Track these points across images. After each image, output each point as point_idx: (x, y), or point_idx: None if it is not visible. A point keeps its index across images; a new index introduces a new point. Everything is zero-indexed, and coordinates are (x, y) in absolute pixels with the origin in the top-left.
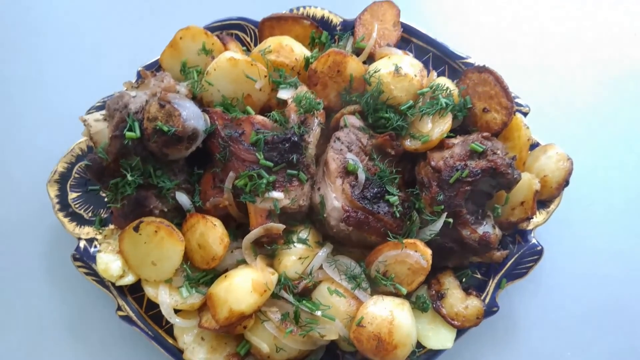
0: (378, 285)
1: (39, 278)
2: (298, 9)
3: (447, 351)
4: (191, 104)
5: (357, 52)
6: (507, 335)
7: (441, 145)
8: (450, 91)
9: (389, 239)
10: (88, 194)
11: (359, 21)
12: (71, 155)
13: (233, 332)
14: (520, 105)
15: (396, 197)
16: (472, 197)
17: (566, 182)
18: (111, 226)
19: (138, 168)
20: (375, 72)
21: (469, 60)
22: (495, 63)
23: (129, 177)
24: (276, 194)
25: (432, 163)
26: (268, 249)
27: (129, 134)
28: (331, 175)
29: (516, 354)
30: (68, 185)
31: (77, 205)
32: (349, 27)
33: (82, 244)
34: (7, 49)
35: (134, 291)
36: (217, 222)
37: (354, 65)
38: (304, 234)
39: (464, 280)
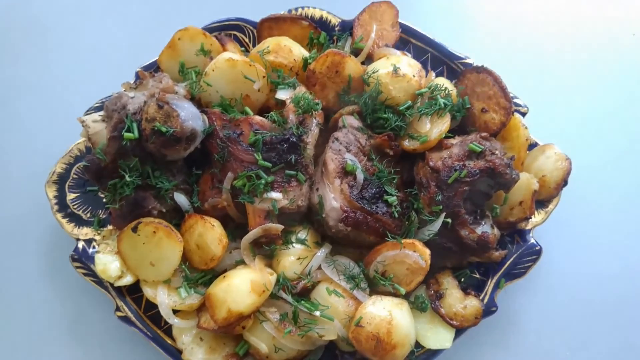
0: (377, 285)
1: (37, 279)
2: (296, 9)
3: (446, 351)
4: (189, 104)
5: (356, 52)
6: (506, 335)
7: (440, 146)
8: (448, 91)
9: (388, 239)
10: (86, 195)
11: (357, 22)
12: (70, 156)
13: (232, 332)
14: (519, 105)
15: (395, 198)
16: (470, 197)
17: (565, 182)
18: (110, 227)
19: (136, 169)
20: (373, 72)
21: (467, 61)
22: (493, 63)
23: (128, 178)
24: (275, 195)
25: (431, 163)
26: (267, 250)
27: (127, 134)
28: (330, 175)
29: (515, 354)
30: (66, 186)
31: (75, 206)
32: (347, 27)
33: (80, 244)
34: (6, 51)
35: (133, 292)
36: (216, 223)
37: (352, 66)
38: (302, 234)
39: (462, 280)
